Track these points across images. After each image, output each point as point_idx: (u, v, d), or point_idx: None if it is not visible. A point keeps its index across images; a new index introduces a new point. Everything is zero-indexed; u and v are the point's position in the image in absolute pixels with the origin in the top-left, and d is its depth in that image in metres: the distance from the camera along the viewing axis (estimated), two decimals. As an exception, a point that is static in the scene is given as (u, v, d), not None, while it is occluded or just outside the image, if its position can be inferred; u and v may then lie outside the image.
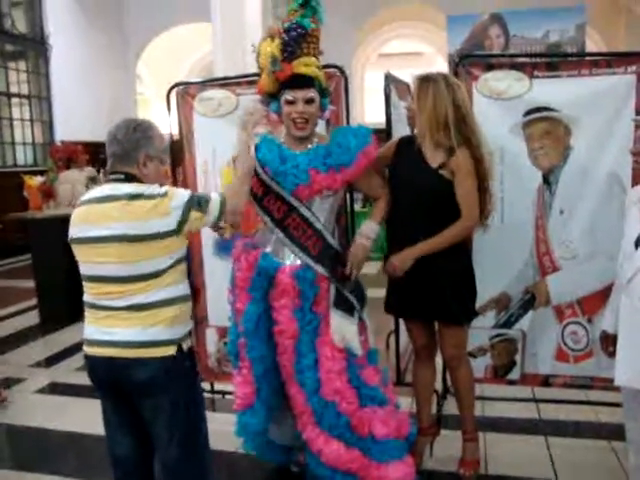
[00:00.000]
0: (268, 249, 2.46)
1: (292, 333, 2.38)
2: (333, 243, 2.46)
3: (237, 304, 2.49)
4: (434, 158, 2.47)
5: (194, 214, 1.93)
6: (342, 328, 2.36)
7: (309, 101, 2.34)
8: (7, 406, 3.67)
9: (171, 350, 1.91)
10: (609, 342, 2.26)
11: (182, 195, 1.94)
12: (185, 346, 1.97)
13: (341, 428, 2.34)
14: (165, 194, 1.90)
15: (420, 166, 2.49)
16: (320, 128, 2.58)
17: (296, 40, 2.30)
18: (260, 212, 2.47)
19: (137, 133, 1.95)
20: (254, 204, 2.46)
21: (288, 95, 2.34)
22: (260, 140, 2.48)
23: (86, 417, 3.45)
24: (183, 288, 2.00)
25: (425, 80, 2.46)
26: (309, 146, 2.43)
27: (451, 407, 3.00)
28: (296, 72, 2.32)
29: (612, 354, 2.21)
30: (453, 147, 2.42)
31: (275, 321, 2.41)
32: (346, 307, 2.39)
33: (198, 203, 1.95)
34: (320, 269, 2.39)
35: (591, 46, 11.91)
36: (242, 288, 2.45)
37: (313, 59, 2.36)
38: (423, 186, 2.48)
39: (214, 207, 2.00)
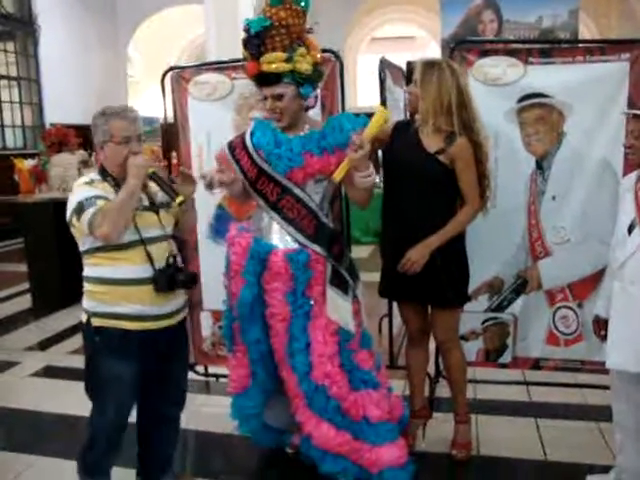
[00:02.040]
0: (262, 232, 2.46)
1: (284, 316, 2.39)
2: (327, 222, 2.46)
3: (232, 288, 2.50)
4: (432, 143, 2.48)
5: (74, 220, 2.03)
6: (338, 305, 2.37)
7: (277, 97, 2.32)
8: (2, 389, 3.68)
9: (84, 317, 2.18)
10: (601, 326, 2.29)
11: (74, 199, 2.04)
12: (95, 322, 2.13)
13: (331, 412, 2.36)
14: (71, 190, 2.10)
15: (417, 151, 2.50)
16: (314, 113, 2.57)
17: (251, 42, 2.26)
18: (254, 195, 2.46)
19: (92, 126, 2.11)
20: (248, 188, 2.46)
21: (260, 91, 2.37)
22: (254, 124, 2.48)
23: (80, 399, 3.46)
24: (103, 272, 2.11)
25: (430, 65, 2.48)
26: (301, 132, 2.42)
27: (443, 390, 3.04)
28: (262, 70, 2.29)
29: (604, 338, 2.25)
30: (454, 132, 2.44)
31: (267, 304, 2.42)
32: (342, 285, 2.40)
33: (78, 211, 2.01)
34: (317, 248, 2.39)
35: (584, 32, 11.90)
36: (236, 272, 2.45)
37: (278, 54, 2.25)
38: (420, 171, 2.49)
39: (84, 221, 2.00)
